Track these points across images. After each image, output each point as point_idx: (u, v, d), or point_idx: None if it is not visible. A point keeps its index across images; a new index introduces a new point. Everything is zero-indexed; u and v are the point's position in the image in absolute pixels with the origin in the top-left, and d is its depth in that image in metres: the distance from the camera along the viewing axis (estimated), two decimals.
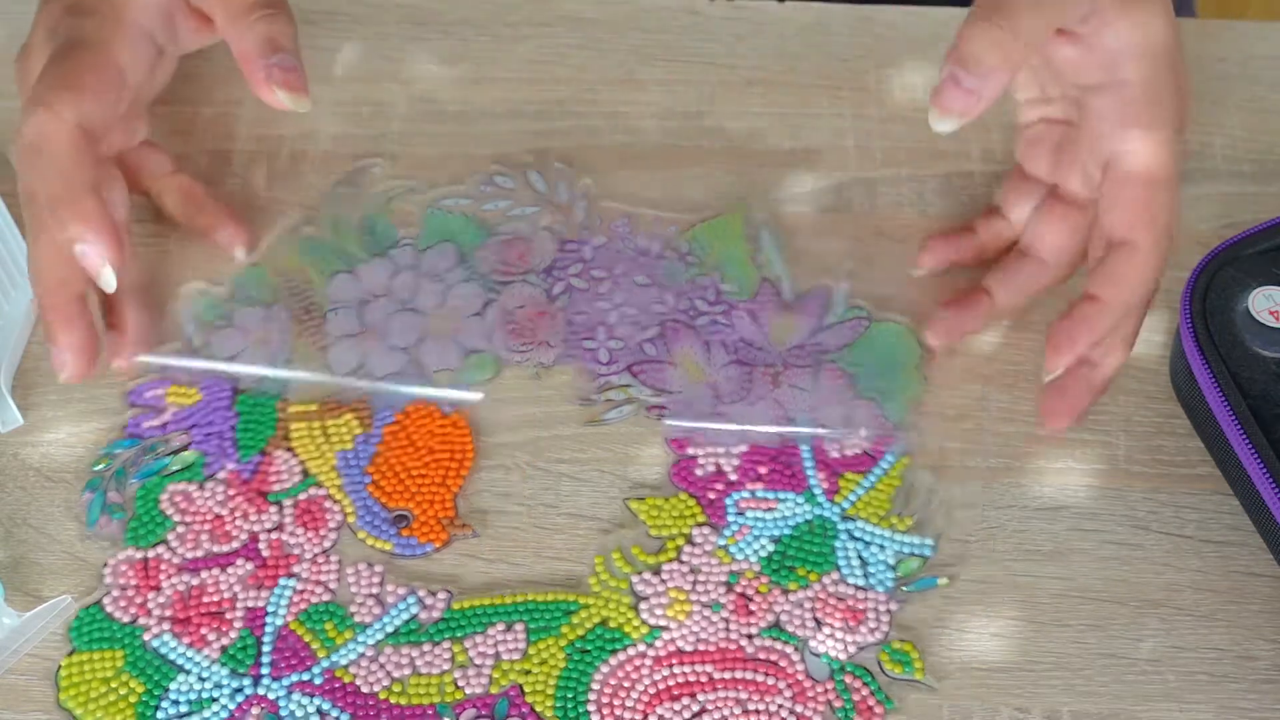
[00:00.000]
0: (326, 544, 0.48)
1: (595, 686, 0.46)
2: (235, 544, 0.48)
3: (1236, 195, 0.56)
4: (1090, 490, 0.50)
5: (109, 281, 0.48)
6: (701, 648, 0.47)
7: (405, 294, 0.53)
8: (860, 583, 0.48)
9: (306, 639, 0.47)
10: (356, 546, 0.49)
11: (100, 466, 0.50)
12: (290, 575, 0.48)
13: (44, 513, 0.50)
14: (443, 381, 0.52)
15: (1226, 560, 0.49)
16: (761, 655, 0.46)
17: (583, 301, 0.53)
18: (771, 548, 0.48)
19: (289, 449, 0.50)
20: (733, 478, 0.50)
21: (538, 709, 0.45)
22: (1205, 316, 0.49)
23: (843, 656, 0.46)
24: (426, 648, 0.46)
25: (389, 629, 0.47)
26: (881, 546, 0.48)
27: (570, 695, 0.46)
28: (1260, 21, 0.62)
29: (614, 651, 0.47)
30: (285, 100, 0.48)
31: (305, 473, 0.50)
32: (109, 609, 0.47)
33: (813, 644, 0.47)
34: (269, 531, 0.49)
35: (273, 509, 0.49)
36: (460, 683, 0.46)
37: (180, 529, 0.49)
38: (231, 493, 0.49)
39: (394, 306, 0.53)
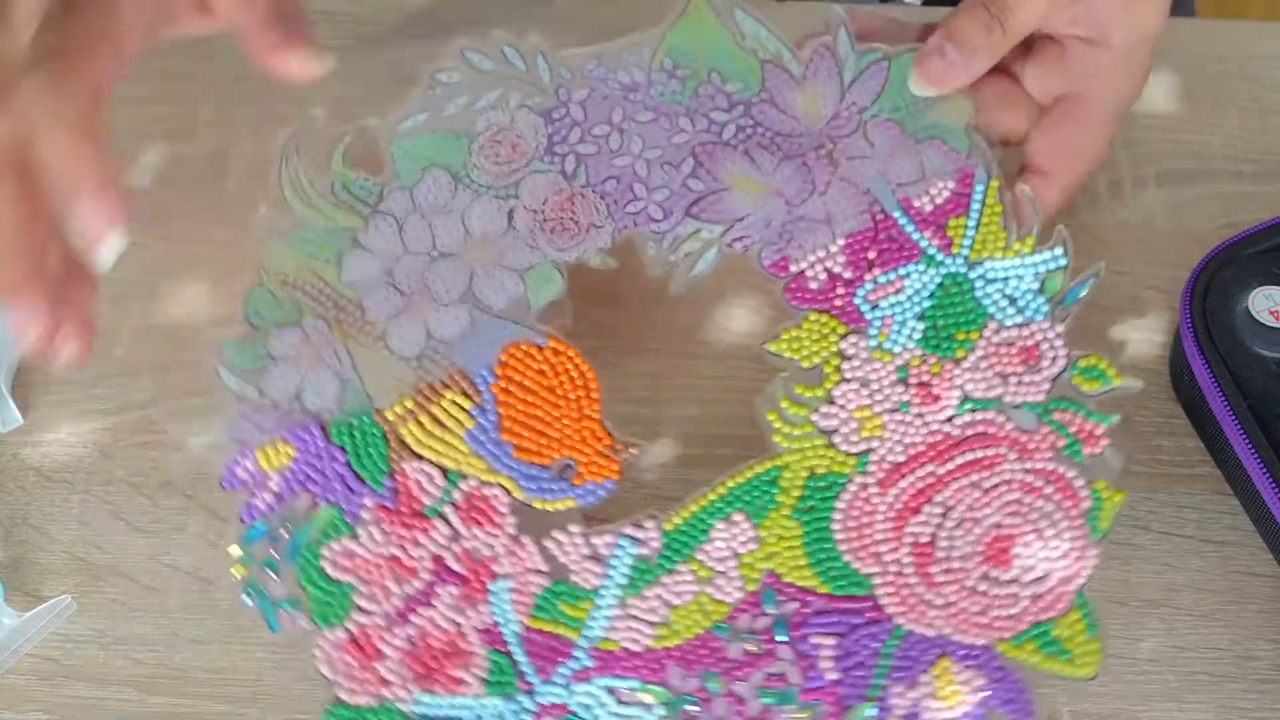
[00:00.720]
0: (510, 529, 0.45)
1: (840, 537, 0.44)
2: (425, 575, 0.44)
3: (1236, 195, 0.56)
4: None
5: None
6: (912, 452, 0.45)
7: (424, 243, 0.48)
8: (1018, 321, 0.46)
9: (552, 629, 0.44)
10: (539, 517, 0.45)
11: (243, 570, 0.45)
12: (496, 578, 0.44)
13: (44, 513, 0.50)
14: (517, 313, 0.47)
15: (1226, 560, 0.49)
16: (970, 432, 0.45)
17: (601, 165, 0.49)
18: (921, 326, 0.47)
19: (415, 456, 0.46)
20: (847, 275, 0.47)
21: (801, 584, 0.44)
22: (1205, 316, 0.49)
23: (1041, 398, 0.46)
24: (667, 580, 0.44)
25: (621, 580, 0.44)
26: (1020, 277, 0.47)
27: (823, 557, 0.44)
28: (1260, 21, 0.62)
29: (837, 495, 0.45)
30: (300, 60, 0.46)
31: (444, 471, 0.46)
32: (352, 700, 0.43)
33: (1008, 399, 0.46)
34: (448, 546, 0.45)
35: (437, 523, 0.45)
36: (718, 596, 0.44)
37: (363, 588, 0.44)
38: (387, 528, 0.45)
39: (422, 261, 0.48)
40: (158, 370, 0.53)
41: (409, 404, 0.46)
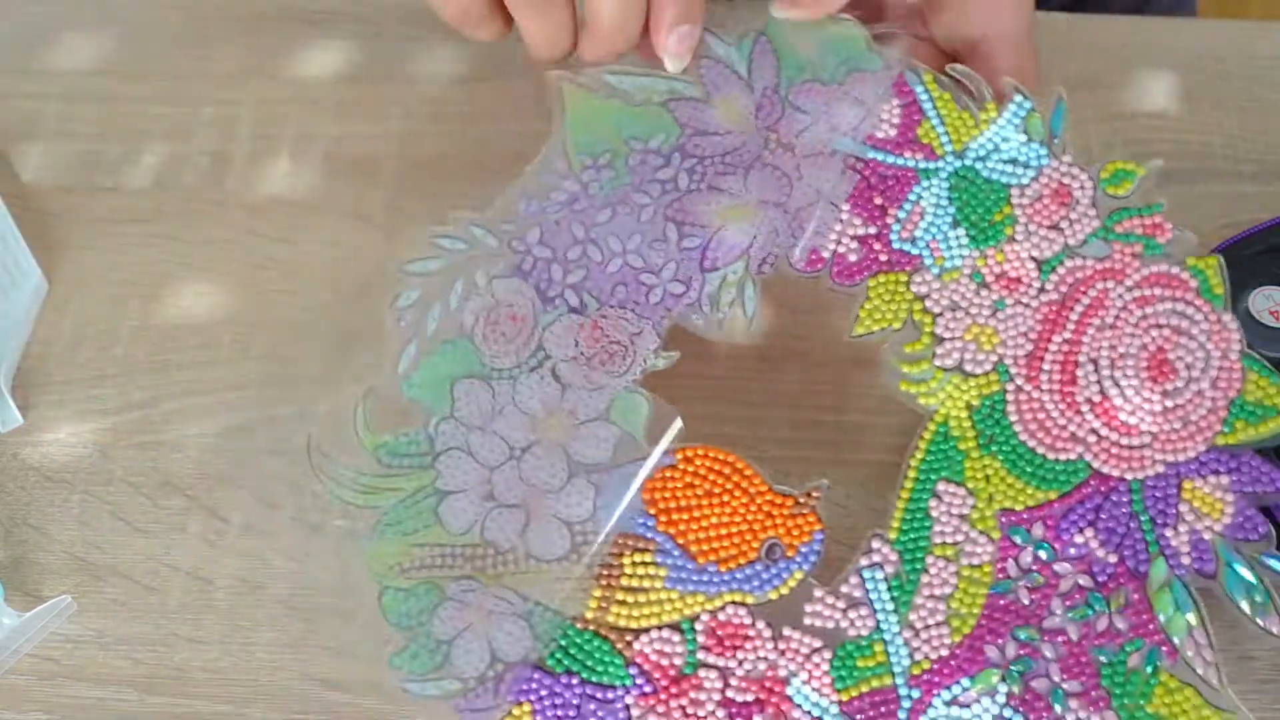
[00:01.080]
0: (767, 633, 0.43)
1: (1032, 444, 0.45)
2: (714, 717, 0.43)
3: (1236, 195, 0.56)
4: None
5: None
6: (1034, 335, 0.46)
7: (500, 451, 0.45)
8: (1032, 174, 0.48)
9: (865, 689, 0.43)
10: (784, 605, 0.44)
11: None
12: (787, 682, 0.43)
13: (44, 513, 0.50)
14: (630, 452, 0.45)
15: None
16: (1065, 289, 0.46)
17: (600, 282, 0.47)
18: (961, 231, 0.47)
19: (639, 633, 0.44)
20: (873, 230, 0.48)
21: (1032, 504, 0.45)
22: None
23: (1096, 223, 0.47)
24: (926, 580, 0.44)
25: (889, 608, 0.44)
26: (1005, 139, 0.48)
27: (1030, 470, 0.45)
28: (1260, 21, 0.62)
29: (1003, 411, 0.46)
30: (670, 66, 0.48)
31: (675, 627, 0.44)
32: None
33: (1072, 243, 0.47)
34: (726, 686, 0.43)
35: (701, 673, 0.43)
36: (975, 562, 0.44)
37: None
38: (662, 708, 0.43)
39: (510, 467, 0.45)
40: (158, 370, 0.53)
41: (597, 593, 0.44)
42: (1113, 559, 0.44)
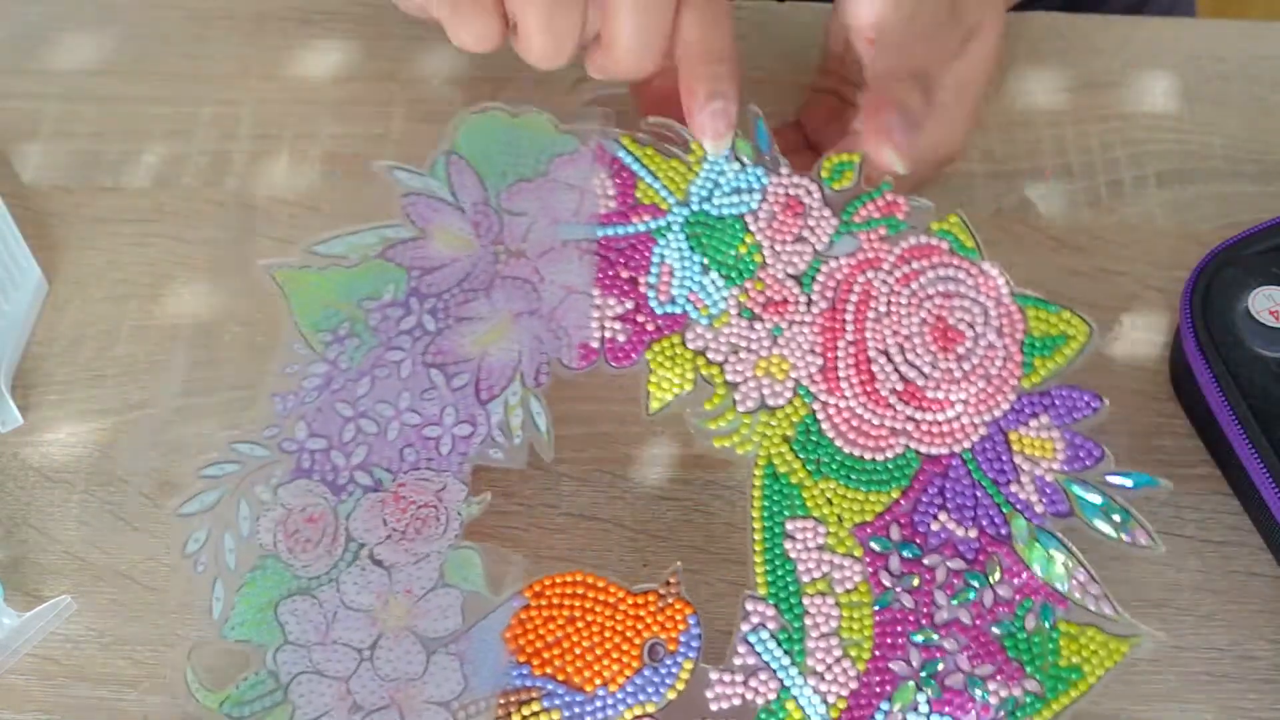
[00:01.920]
0: None
1: (857, 453, 0.46)
2: None
3: (1236, 195, 0.56)
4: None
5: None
6: (819, 349, 0.47)
7: (347, 660, 0.43)
8: (758, 196, 0.48)
9: None
10: (687, 703, 0.43)
11: None
12: None
13: (44, 513, 0.50)
14: (482, 609, 0.44)
15: (1226, 560, 0.49)
16: (830, 293, 0.47)
17: (385, 451, 0.46)
18: (714, 274, 0.48)
19: None
20: (630, 305, 0.48)
21: (879, 509, 0.45)
22: (1205, 316, 0.49)
23: (834, 220, 0.48)
24: (810, 624, 0.43)
25: (785, 662, 0.43)
26: (722, 172, 0.49)
27: (865, 478, 0.45)
28: (1260, 21, 0.62)
29: (819, 432, 0.46)
30: (710, 147, 0.48)
31: None
32: None
33: (819, 248, 0.48)
34: None
35: None
36: (848, 586, 0.44)
37: None
38: None
39: (366, 671, 0.43)
40: (158, 370, 0.53)
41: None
42: (973, 533, 0.44)
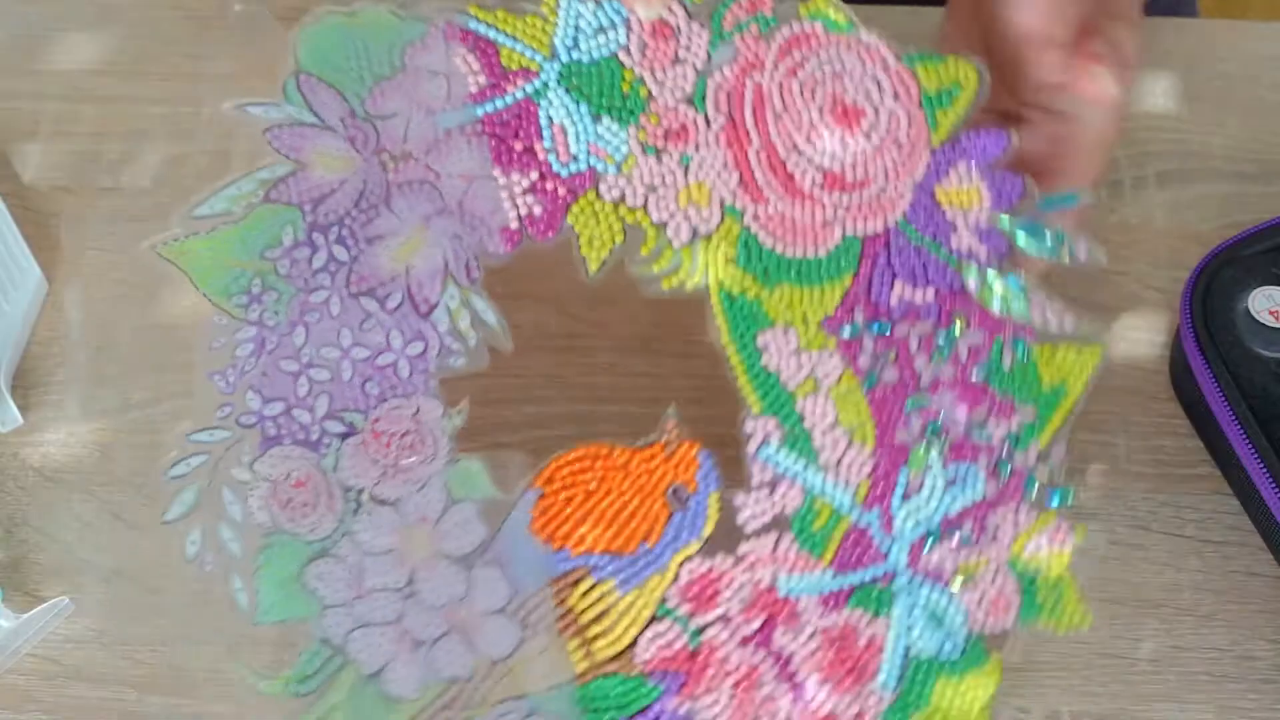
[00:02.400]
0: (731, 566, 0.43)
1: (788, 251, 0.45)
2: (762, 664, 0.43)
3: (1236, 195, 0.56)
4: (1090, 490, 0.50)
5: None
6: (730, 163, 0.46)
7: (391, 582, 0.43)
8: (626, 37, 0.46)
9: (839, 536, 0.44)
10: (725, 532, 0.44)
11: None
12: (778, 587, 0.43)
13: (44, 513, 0.50)
14: (499, 514, 0.43)
15: (1226, 560, 0.49)
16: (724, 109, 0.46)
17: (344, 392, 0.45)
18: (602, 120, 0.46)
19: (625, 648, 0.43)
20: (535, 175, 0.46)
21: (838, 296, 0.46)
22: (1205, 316, 0.49)
23: (706, 34, 0.46)
24: (811, 421, 0.44)
25: (799, 467, 0.44)
26: (580, 15, 0.46)
27: (808, 270, 0.46)
28: (1260, 21, 0.62)
29: (758, 241, 0.46)
30: (642, 8, 0.46)
31: (656, 617, 0.43)
32: None
33: (699, 66, 0.46)
34: (733, 630, 0.43)
35: (718, 638, 0.43)
36: (844, 365, 0.45)
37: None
38: (682, 683, 0.43)
39: (394, 598, 0.43)
40: (158, 370, 0.53)
41: (573, 644, 0.43)
42: (930, 294, 0.45)
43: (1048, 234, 0.44)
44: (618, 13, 0.46)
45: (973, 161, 0.45)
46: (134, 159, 0.57)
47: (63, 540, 0.50)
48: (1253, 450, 0.47)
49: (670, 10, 0.46)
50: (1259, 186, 0.57)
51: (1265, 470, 0.47)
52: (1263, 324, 0.49)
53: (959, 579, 0.43)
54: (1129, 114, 0.52)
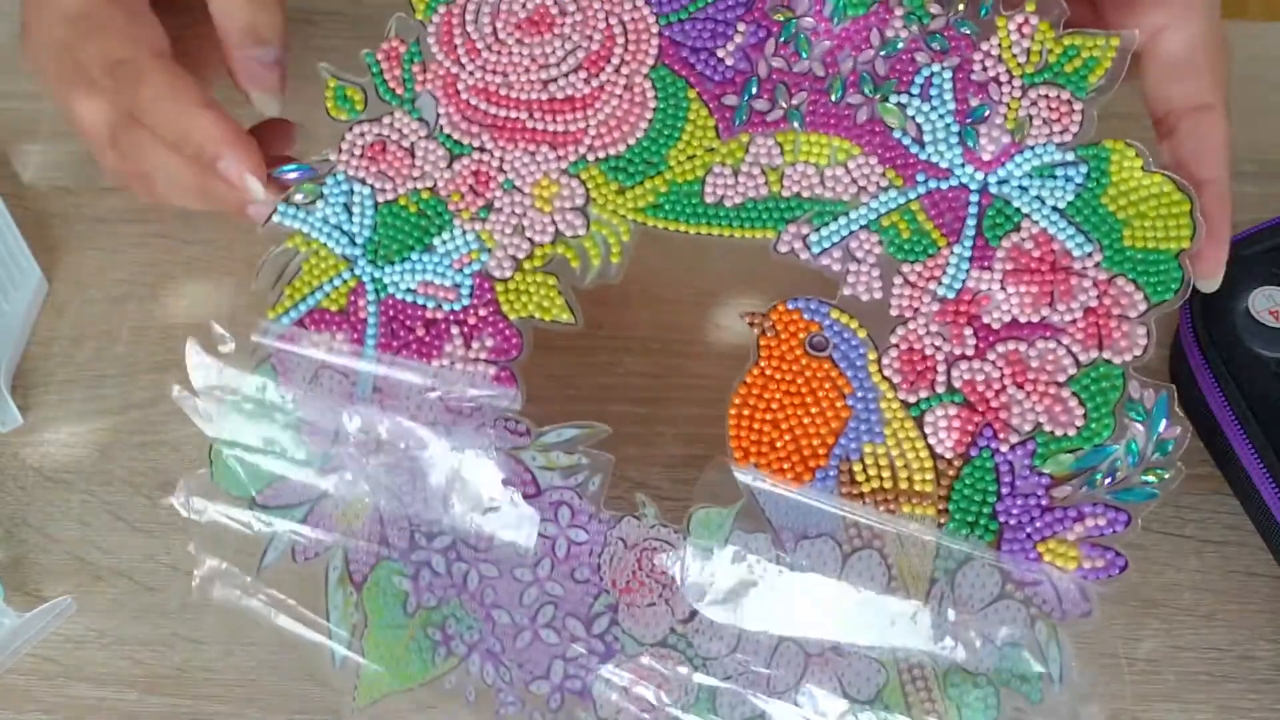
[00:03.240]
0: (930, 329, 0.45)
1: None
2: None
3: (1236, 195, 0.56)
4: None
5: (257, 193, 0.45)
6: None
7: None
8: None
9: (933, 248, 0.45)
10: (880, 319, 0.45)
11: None
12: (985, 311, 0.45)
13: (44, 513, 0.50)
14: None
15: (1226, 560, 0.49)
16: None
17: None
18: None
19: None
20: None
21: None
22: (1205, 316, 0.49)
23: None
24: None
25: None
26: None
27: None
28: (1260, 21, 0.62)
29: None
30: (256, 101, 0.47)
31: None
32: None
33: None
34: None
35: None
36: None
37: None
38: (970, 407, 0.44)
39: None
40: (158, 370, 0.53)
41: (907, 508, 0.43)
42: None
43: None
44: (343, 180, 0.47)
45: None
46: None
47: (63, 540, 0.50)
48: (1253, 450, 0.47)
49: (384, 125, 0.47)
50: (1259, 186, 0.57)
51: (1265, 470, 0.47)
52: (1263, 324, 0.49)
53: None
54: (1128, 114, 0.52)
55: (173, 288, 0.55)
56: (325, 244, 0.46)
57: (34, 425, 0.52)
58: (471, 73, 0.47)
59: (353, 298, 0.46)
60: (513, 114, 0.47)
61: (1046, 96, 0.46)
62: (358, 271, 0.46)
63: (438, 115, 0.47)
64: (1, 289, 0.53)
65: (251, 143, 0.45)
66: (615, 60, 0.47)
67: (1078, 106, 0.46)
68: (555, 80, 0.47)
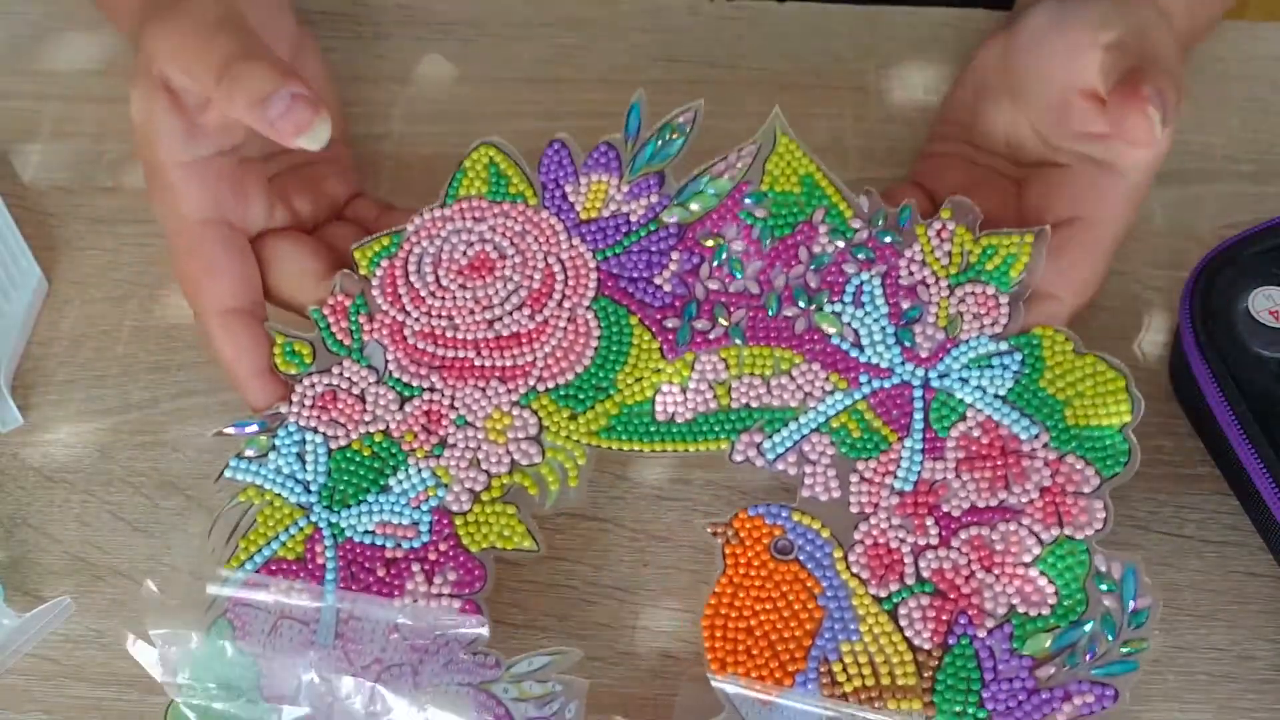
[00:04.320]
0: (890, 516, 0.46)
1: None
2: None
3: (1236, 195, 0.56)
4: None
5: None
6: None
7: None
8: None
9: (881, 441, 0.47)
10: (840, 521, 0.46)
11: None
12: (941, 502, 0.46)
13: (44, 513, 0.50)
14: None
15: (1226, 560, 0.49)
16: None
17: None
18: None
19: None
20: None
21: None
22: (1205, 317, 0.49)
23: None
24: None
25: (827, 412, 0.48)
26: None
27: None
28: (1260, 21, 0.62)
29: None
30: (304, 141, 0.45)
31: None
32: None
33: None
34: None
35: None
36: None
37: None
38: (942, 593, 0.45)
39: None
40: (158, 370, 0.53)
41: (894, 704, 0.43)
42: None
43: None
44: (295, 430, 0.47)
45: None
46: (134, 159, 0.57)
47: (63, 540, 0.50)
48: (1253, 450, 0.47)
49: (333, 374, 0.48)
50: (1259, 186, 0.57)
51: (1265, 470, 0.47)
52: (1263, 324, 0.49)
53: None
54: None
55: (173, 288, 0.55)
56: (279, 494, 0.46)
57: (34, 425, 0.52)
58: (417, 319, 0.48)
59: (310, 545, 0.46)
60: (460, 354, 0.48)
61: (973, 293, 0.48)
62: (314, 518, 0.46)
63: (386, 361, 0.48)
64: (1, 289, 0.53)
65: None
66: (557, 295, 0.49)
67: (1003, 300, 0.48)
68: (500, 319, 0.48)
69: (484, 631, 0.44)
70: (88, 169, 0.57)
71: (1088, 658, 0.43)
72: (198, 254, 0.48)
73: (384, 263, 0.49)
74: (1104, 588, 0.44)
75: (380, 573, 0.45)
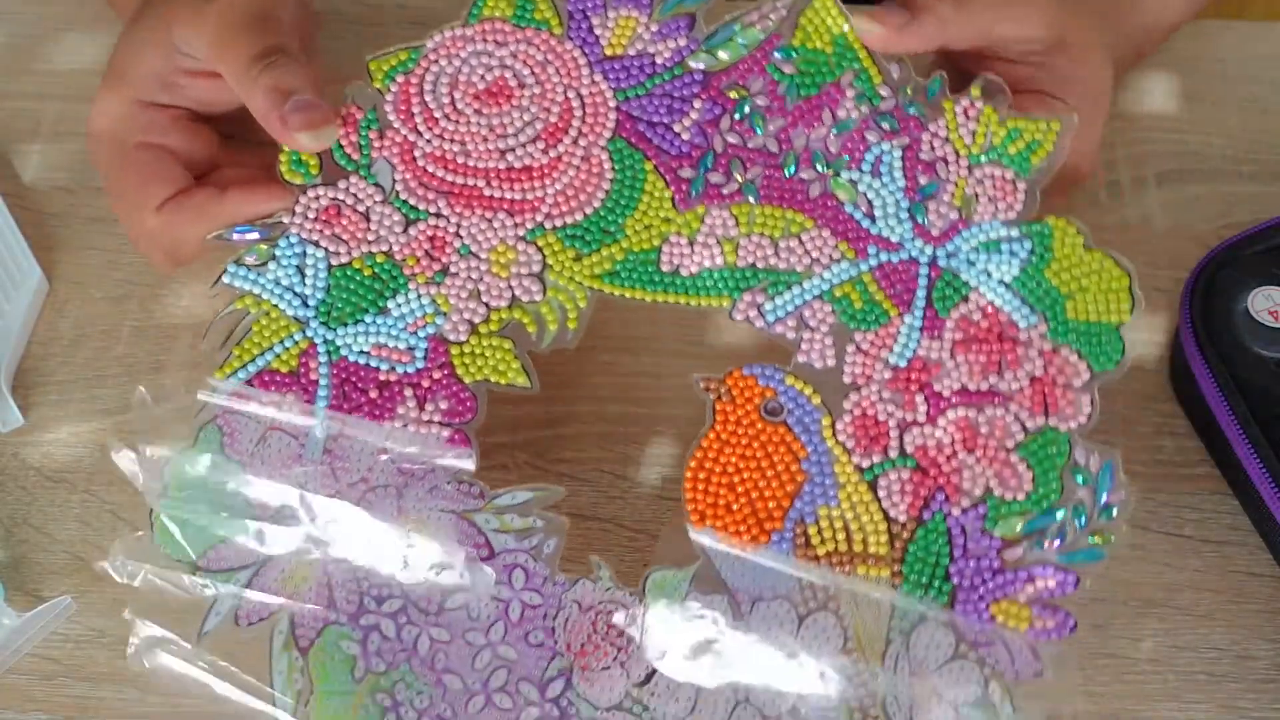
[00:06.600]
0: (881, 392, 0.46)
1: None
2: None
3: (1236, 195, 0.56)
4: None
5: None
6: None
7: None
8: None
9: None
10: (832, 388, 0.46)
11: None
12: (934, 383, 0.46)
13: (44, 513, 0.50)
14: None
15: (1226, 560, 0.49)
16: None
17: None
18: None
19: None
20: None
21: None
22: (1205, 316, 0.49)
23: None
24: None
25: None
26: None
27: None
28: (1260, 21, 0.62)
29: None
30: (309, 141, 0.46)
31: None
32: None
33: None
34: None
35: None
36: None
37: None
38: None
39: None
40: (158, 370, 0.53)
41: (863, 570, 0.44)
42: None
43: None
44: (297, 242, 0.47)
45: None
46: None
47: (63, 540, 0.50)
48: (1253, 450, 0.47)
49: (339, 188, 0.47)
50: (1259, 186, 0.57)
51: (1265, 470, 0.47)
52: (1262, 324, 0.49)
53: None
54: (1127, 114, 0.52)
55: (173, 288, 0.55)
56: (277, 305, 0.46)
57: (34, 425, 0.52)
58: (429, 140, 0.48)
59: (304, 359, 0.45)
60: (470, 181, 0.47)
61: (992, 176, 0.47)
62: (310, 333, 0.46)
63: (394, 181, 0.47)
64: (1, 289, 0.53)
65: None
66: (573, 132, 0.48)
67: (1021, 186, 0.47)
68: (513, 150, 0.48)
69: (470, 465, 0.44)
70: (88, 169, 0.57)
71: (1055, 544, 0.43)
72: (136, 164, 0.48)
73: (399, 78, 0.48)
74: (1080, 480, 0.44)
75: (373, 394, 0.45)
